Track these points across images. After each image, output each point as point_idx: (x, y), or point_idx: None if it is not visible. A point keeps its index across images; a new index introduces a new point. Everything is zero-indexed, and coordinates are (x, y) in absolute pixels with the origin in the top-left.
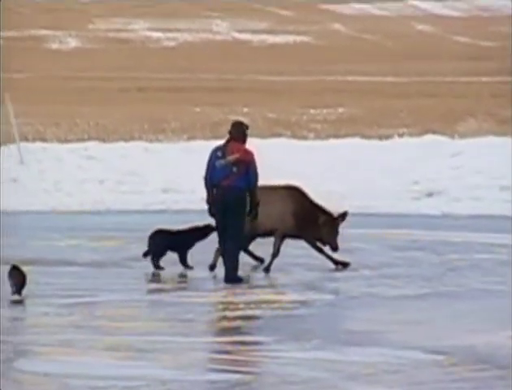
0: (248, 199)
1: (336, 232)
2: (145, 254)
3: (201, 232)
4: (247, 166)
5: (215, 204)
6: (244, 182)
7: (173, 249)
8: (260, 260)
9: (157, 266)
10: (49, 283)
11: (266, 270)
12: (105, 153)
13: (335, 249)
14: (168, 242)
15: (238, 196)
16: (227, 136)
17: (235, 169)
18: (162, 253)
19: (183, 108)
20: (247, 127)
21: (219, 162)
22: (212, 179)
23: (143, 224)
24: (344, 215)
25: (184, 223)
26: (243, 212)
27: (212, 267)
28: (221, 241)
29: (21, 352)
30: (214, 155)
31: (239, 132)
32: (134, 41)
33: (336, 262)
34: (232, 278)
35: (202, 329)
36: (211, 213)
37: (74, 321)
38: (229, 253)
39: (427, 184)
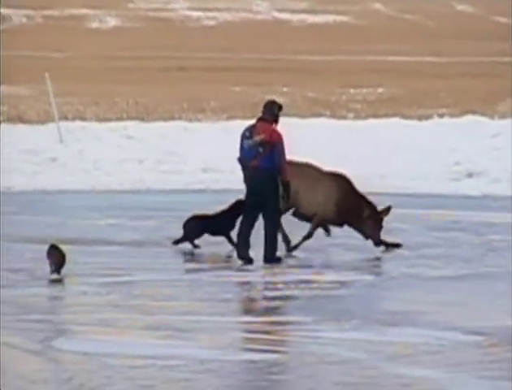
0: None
1: (380, 227)
2: (177, 242)
3: (236, 210)
4: (272, 147)
5: (246, 184)
6: (270, 163)
7: (214, 233)
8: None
9: (194, 245)
10: (88, 262)
11: (293, 249)
12: (144, 133)
13: (377, 243)
14: (204, 227)
15: (265, 176)
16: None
17: (261, 149)
18: (198, 237)
19: (222, 87)
20: (280, 107)
21: (247, 143)
22: (242, 159)
23: (182, 203)
24: (388, 210)
25: (224, 203)
26: (274, 192)
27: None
28: (245, 220)
29: (60, 331)
30: (244, 135)
31: (269, 112)
32: (174, 20)
33: (386, 244)
34: (271, 258)
35: (241, 309)
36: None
37: (112, 300)
38: (268, 233)
39: (467, 165)
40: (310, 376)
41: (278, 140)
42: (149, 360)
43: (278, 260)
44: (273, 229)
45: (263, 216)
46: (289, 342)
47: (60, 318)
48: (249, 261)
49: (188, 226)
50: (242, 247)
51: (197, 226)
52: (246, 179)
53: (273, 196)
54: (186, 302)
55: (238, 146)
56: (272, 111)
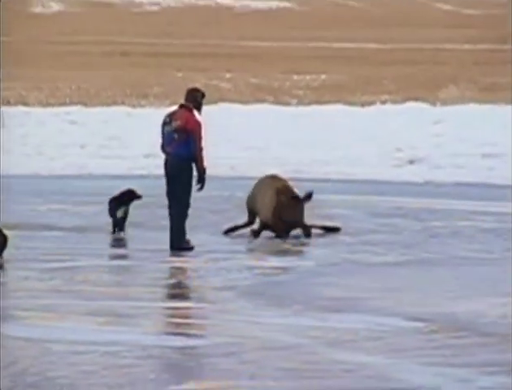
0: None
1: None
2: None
3: (122, 198)
4: (188, 134)
5: (164, 170)
6: (185, 150)
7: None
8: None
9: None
10: (30, 247)
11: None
12: (87, 118)
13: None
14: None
15: (180, 163)
16: (209, 101)
17: (176, 136)
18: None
19: (166, 73)
20: (203, 95)
21: (166, 129)
22: (162, 144)
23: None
24: (309, 197)
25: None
26: (187, 180)
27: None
28: (169, 209)
29: (3, 316)
30: (165, 122)
31: (190, 99)
32: (117, 5)
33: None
34: (178, 245)
35: (183, 294)
36: None
37: (55, 286)
38: (173, 220)
39: (409, 152)
40: (252, 362)
41: (194, 128)
42: (91, 346)
43: (185, 248)
44: (179, 216)
45: (170, 202)
46: (231, 328)
47: (2, 303)
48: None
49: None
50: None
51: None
52: (164, 165)
53: (184, 183)
54: (128, 288)
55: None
56: (194, 98)
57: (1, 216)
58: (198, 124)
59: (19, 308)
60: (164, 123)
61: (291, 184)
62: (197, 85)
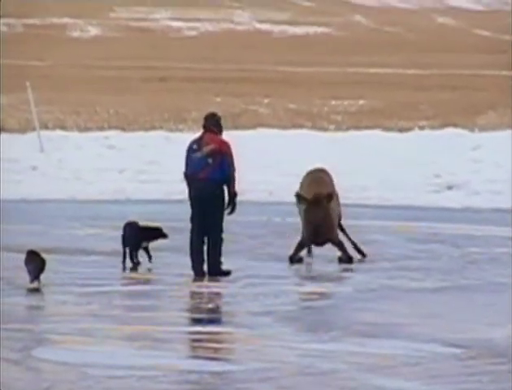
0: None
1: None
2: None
3: (150, 233)
4: (223, 156)
5: (193, 197)
6: (220, 173)
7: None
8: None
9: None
10: (67, 271)
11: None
12: (125, 143)
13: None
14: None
15: (214, 188)
16: (247, 126)
17: (210, 160)
18: (139, 246)
19: (204, 98)
20: (220, 118)
21: (195, 155)
22: (190, 172)
23: (163, 213)
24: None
25: None
26: (221, 204)
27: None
28: (195, 234)
29: (39, 340)
30: (191, 149)
31: (213, 123)
32: (155, 31)
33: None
34: (217, 271)
35: (223, 320)
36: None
37: (92, 310)
38: (211, 246)
39: (448, 177)
40: (289, 387)
41: (227, 150)
42: (128, 370)
43: (224, 273)
44: (217, 241)
45: (207, 228)
46: (268, 353)
47: (40, 327)
48: (203, 275)
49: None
50: (197, 262)
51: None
52: (193, 193)
53: (220, 208)
54: (165, 313)
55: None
56: (216, 122)
57: (39, 240)
58: (230, 147)
59: (56, 332)
60: (192, 150)
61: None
62: (237, 110)
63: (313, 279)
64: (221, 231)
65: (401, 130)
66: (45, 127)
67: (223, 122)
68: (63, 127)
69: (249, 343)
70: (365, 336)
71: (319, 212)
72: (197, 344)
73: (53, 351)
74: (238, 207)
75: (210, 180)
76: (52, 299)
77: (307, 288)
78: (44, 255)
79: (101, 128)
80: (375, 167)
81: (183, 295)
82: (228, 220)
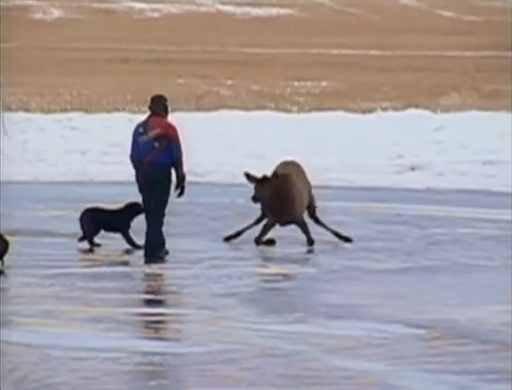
0: (174, 175)
1: None
2: (81, 239)
3: (130, 211)
4: (169, 140)
5: (140, 180)
6: (167, 157)
7: (110, 230)
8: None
9: (92, 244)
10: (31, 253)
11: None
12: (88, 124)
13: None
14: (99, 221)
15: (161, 171)
16: (210, 108)
17: (157, 144)
18: (95, 234)
19: (167, 79)
20: (166, 101)
21: (142, 139)
22: (136, 156)
23: (126, 195)
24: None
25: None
26: (167, 188)
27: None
28: (147, 218)
29: (3, 322)
30: (137, 132)
31: (159, 106)
32: (118, 12)
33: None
34: (153, 255)
35: (184, 301)
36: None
37: (56, 292)
38: (152, 229)
39: (410, 158)
40: (252, 369)
41: (174, 134)
42: (91, 352)
43: (160, 258)
44: (157, 225)
45: (148, 211)
46: (231, 335)
47: (3, 309)
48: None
49: (83, 219)
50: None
51: (92, 220)
52: (139, 178)
53: (164, 191)
54: (127, 295)
55: (188, 137)
56: (163, 105)
57: (2, 222)
58: (176, 130)
59: (20, 314)
60: (138, 134)
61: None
62: (200, 92)
63: (276, 260)
64: (163, 215)
65: (364, 111)
66: (9, 109)
67: (186, 103)
68: (27, 110)
69: (212, 324)
70: (328, 318)
71: (265, 190)
72: (159, 325)
73: (16, 333)
74: (201, 189)
75: (156, 164)
76: (15, 281)
77: (271, 270)
78: (7, 237)
79: (65, 110)
80: (338, 149)
81: (145, 277)
82: (191, 202)
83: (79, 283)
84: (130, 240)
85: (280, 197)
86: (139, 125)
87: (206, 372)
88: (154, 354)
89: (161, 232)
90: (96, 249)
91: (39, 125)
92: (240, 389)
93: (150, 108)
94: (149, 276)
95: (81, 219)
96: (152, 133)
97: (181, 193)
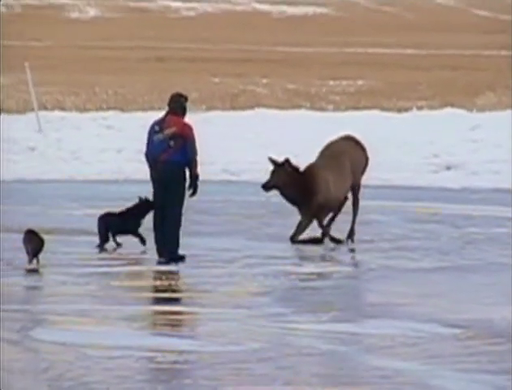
0: (188, 174)
1: None
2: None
3: (140, 210)
4: (184, 140)
5: (155, 178)
6: (182, 156)
7: (121, 232)
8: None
9: (104, 250)
10: (66, 252)
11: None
12: (123, 123)
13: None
14: (109, 224)
15: (175, 170)
16: (245, 107)
17: (172, 143)
18: (108, 240)
19: (202, 78)
20: (186, 100)
21: (157, 137)
22: (151, 153)
23: None
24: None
25: (203, 195)
26: (182, 187)
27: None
28: (157, 216)
29: (38, 321)
30: (153, 130)
31: (177, 106)
32: (153, 11)
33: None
34: (172, 255)
35: (221, 301)
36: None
37: (91, 290)
38: (170, 230)
39: (446, 158)
40: (288, 367)
41: (189, 134)
42: (126, 351)
43: (181, 258)
44: (174, 225)
45: (166, 210)
46: (267, 333)
47: (38, 308)
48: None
49: (99, 225)
50: (160, 245)
51: (103, 224)
52: (153, 175)
53: (180, 190)
54: (164, 293)
55: (224, 137)
56: (181, 104)
57: (37, 220)
58: (192, 130)
59: (55, 312)
60: (153, 132)
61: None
62: (235, 91)
63: (312, 259)
64: (180, 215)
65: (399, 110)
66: (44, 107)
67: (221, 102)
68: (62, 108)
69: (247, 323)
70: (364, 317)
71: (275, 177)
72: (197, 324)
73: (51, 331)
74: (236, 188)
75: (171, 163)
76: (50, 279)
77: (306, 269)
78: (42, 235)
79: (100, 109)
80: (374, 148)
81: (183, 276)
82: (227, 200)
83: (113, 281)
84: (140, 237)
85: (302, 188)
86: (155, 123)
87: (242, 371)
88: (190, 353)
89: (178, 233)
90: (131, 247)
91: (74, 124)
92: (276, 387)
93: (169, 106)
94: (184, 275)
95: (98, 225)
96: (168, 132)
97: (194, 193)
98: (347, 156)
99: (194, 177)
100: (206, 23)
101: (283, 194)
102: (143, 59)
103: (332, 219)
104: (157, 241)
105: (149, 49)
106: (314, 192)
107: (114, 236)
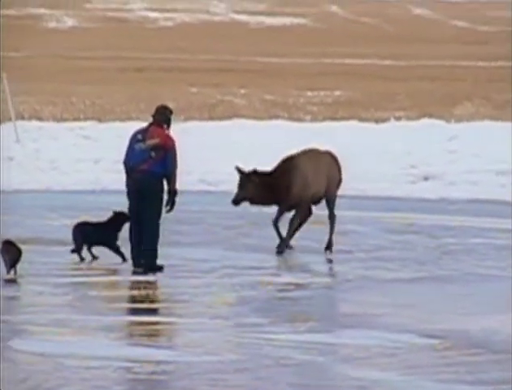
0: (166, 188)
1: None
2: (72, 251)
3: (116, 222)
4: (166, 152)
5: (131, 188)
6: (161, 168)
7: (97, 244)
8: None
9: (81, 258)
10: (44, 262)
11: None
12: (101, 133)
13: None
14: (85, 235)
15: (154, 181)
16: (222, 117)
17: (153, 154)
18: (82, 248)
19: (180, 88)
20: (171, 112)
21: (139, 146)
22: (130, 162)
23: None
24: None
25: (180, 205)
26: (159, 199)
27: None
28: (133, 226)
29: (16, 331)
30: (135, 138)
31: (162, 118)
32: (131, 21)
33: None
34: (152, 267)
35: (198, 311)
36: (128, 198)
37: (68, 301)
38: (148, 241)
39: (424, 168)
40: (266, 378)
41: (171, 146)
42: (104, 361)
43: (159, 269)
44: (152, 236)
45: (142, 222)
46: (246, 344)
47: (16, 318)
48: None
49: (74, 233)
50: (135, 254)
51: (79, 233)
52: (130, 184)
53: (158, 202)
54: (141, 304)
55: (201, 147)
56: (165, 116)
57: (14, 231)
58: (174, 143)
59: (33, 323)
60: (135, 140)
61: None
62: (213, 101)
63: (290, 269)
64: (157, 225)
65: (377, 121)
66: (22, 117)
67: (199, 112)
68: (39, 118)
69: (225, 333)
70: (341, 327)
71: (243, 190)
72: (172, 334)
73: (29, 342)
74: (214, 198)
75: (151, 173)
76: (28, 289)
77: (284, 279)
78: (20, 245)
79: (78, 119)
80: (351, 158)
81: (160, 286)
82: (204, 211)
83: (91, 292)
84: (119, 252)
85: (276, 188)
86: (137, 132)
87: (219, 381)
88: (167, 363)
89: (156, 244)
90: (108, 258)
91: (52, 134)
92: None
93: (153, 117)
94: (162, 285)
95: (73, 233)
96: (150, 142)
97: (171, 209)
98: (323, 161)
99: (173, 193)
100: (184, 34)
101: (254, 203)
102: (121, 69)
103: (299, 226)
104: (133, 252)
105: (128, 60)
106: (289, 185)
107: (89, 248)
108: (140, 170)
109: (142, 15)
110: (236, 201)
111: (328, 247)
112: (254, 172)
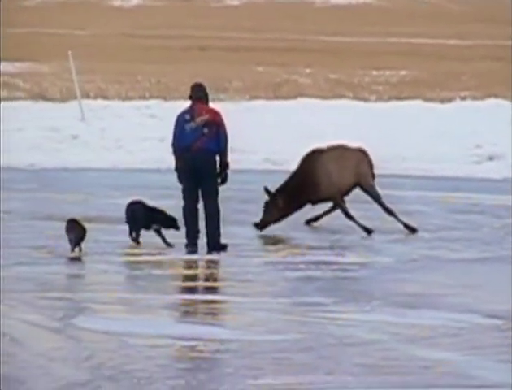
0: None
1: None
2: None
3: (163, 220)
4: (217, 127)
5: (186, 168)
6: (215, 144)
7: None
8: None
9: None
10: (109, 240)
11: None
12: (166, 112)
13: None
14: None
15: (210, 158)
16: (288, 96)
17: (206, 130)
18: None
19: (245, 68)
20: (206, 88)
21: (189, 126)
22: (182, 143)
23: None
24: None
25: (250, 183)
26: (217, 175)
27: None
28: (189, 207)
29: (80, 309)
30: (182, 119)
31: (201, 94)
32: (196, 0)
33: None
34: (215, 244)
35: (261, 290)
36: (180, 180)
37: (133, 279)
38: (213, 218)
39: (489, 148)
40: (330, 357)
41: (222, 121)
42: (168, 339)
43: (223, 247)
44: (215, 213)
45: (205, 199)
46: (309, 323)
47: (80, 296)
48: (195, 250)
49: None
50: (192, 236)
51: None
52: (184, 165)
53: (215, 178)
54: (205, 282)
55: (267, 126)
56: (204, 92)
57: (79, 209)
58: (222, 117)
59: (97, 301)
60: (184, 121)
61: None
62: (278, 80)
63: (353, 249)
64: (217, 202)
65: (442, 101)
66: (87, 96)
67: (264, 91)
68: (105, 97)
69: (288, 313)
70: (405, 307)
71: (267, 214)
72: (238, 313)
73: (93, 320)
74: (278, 177)
75: (206, 150)
76: (93, 268)
77: (348, 259)
78: (85, 224)
79: (143, 97)
80: (416, 138)
81: (225, 265)
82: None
83: (155, 270)
84: (164, 239)
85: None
86: (184, 112)
87: (283, 360)
88: (231, 342)
89: (219, 222)
90: (174, 235)
91: (117, 112)
92: (318, 377)
93: (191, 97)
94: (227, 264)
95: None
96: (201, 119)
97: (224, 181)
98: (351, 157)
99: (225, 165)
100: (250, 13)
101: (283, 219)
102: (186, 48)
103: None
104: (189, 233)
105: (192, 38)
106: (317, 182)
107: (139, 230)
108: (195, 148)
109: None
110: (261, 228)
111: (407, 227)
112: (278, 191)
